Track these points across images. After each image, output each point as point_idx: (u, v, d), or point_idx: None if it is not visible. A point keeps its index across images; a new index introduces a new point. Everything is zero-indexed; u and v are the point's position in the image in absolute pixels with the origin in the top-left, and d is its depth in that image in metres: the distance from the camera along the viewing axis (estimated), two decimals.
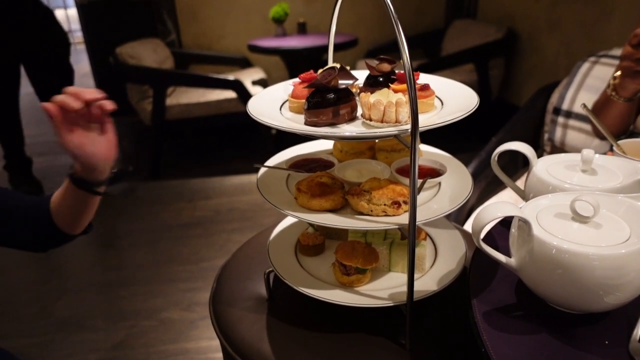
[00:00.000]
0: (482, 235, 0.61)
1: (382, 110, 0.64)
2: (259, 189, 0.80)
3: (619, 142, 0.86)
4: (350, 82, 0.70)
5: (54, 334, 1.87)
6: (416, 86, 0.74)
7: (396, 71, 0.80)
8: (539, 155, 0.80)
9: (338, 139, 0.86)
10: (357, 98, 0.74)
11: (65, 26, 9.15)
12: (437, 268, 0.81)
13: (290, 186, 0.83)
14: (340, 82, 0.69)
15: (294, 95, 0.76)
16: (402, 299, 0.73)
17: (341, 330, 0.78)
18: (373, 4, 4.07)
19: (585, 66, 1.67)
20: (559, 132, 1.67)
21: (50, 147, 3.93)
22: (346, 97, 0.69)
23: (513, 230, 0.64)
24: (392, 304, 0.72)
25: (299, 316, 0.82)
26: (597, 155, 0.75)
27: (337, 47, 3.22)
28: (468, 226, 1.35)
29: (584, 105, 0.86)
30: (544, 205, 0.64)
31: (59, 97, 0.74)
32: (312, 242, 0.87)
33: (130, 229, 2.59)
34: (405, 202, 0.70)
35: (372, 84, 0.78)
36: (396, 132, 0.62)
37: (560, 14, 2.86)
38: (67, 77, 3.08)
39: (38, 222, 0.86)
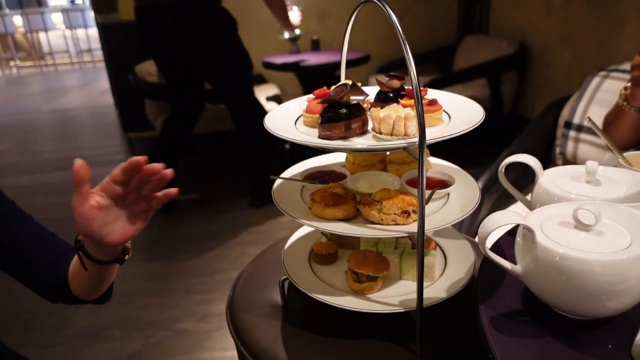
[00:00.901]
0: (489, 243, 0.64)
1: (391, 124, 0.68)
2: (274, 199, 0.84)
3: (626, 154, 0.88)
4: (362, 97, 0.73)
5: (72, 344, 1.92)
6: (424, 101, 0.77)
7: (405, 87, 0.84)
8: None
9: (350, 151, 0.90)
10: (367, 113, 0.78)
11: (84, 45, 9.35)
12: (446, 276, 0.84)
13: (305, 197, 0.86)
14: (352, 97, 0.72)
15: (308, 111, 0.81)
16: (412, 306, 0.75)
17: (353, 336, 0.81)
18: (385, 22, 4.13)
19: (596, 80, 1.69)
20: (570, 145, 1.69)
21: (71, 162, 4.03)
22: (357, 112, 0.73)
23: (518, 238, 0.67)
24: (402, 310, 0.75)
25: (312, 322, 0.85)
26: (601, 167, 0.78)
27: (349, 64, 3.26)
28: None
29: (589, 119, 0.89)
30: (548, 214, 0.67)
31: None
32: (326, 251, 0.90)
33: (147, 241, 2.65)
34: (414, 212, 0.73)
35: (383, 99, 0.82)
36: (405, 144, 0.66)
37: (572, 29, 2.88)
38: (240, 58, 2.65)
39: (55, 278, 0.79)
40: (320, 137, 0.73)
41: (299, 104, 0.90)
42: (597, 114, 1.63)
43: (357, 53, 3.48)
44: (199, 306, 2.09)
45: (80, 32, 9.16)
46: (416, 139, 0.66)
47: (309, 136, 0.75)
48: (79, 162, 0.64)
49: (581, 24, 2.79)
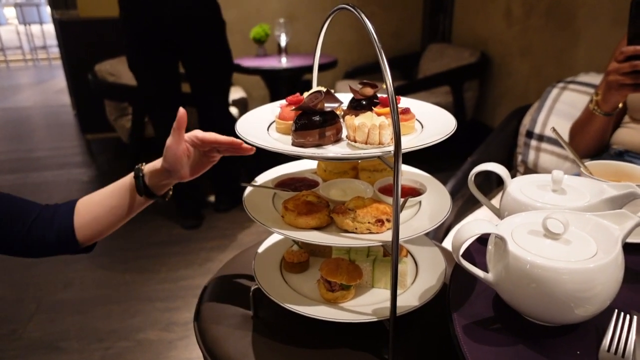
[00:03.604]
0: (462, 251, 0.64)
1: (366, 133, 0.68)
2: (246, 207, 0.82)
3: (587, 163, 0.92)
4: (336, 105, 0.73)
5: (24, 357, 1.82)
6: (399, 109, 0.78)
7: (378, 95, 0.84)
8: (513, 176, 0.84)
9: (325, 159, 0.89)
10: (341, 120, 0.77)
11: (39, 42, 8.93)
12: (418, 284, 0.84)
13: (277, 204, 0.85)
14: (326, 105, 0.72)
15: (281, 117, 0.79)
16: (385, 315, 0.75)
17: (326, 345, 0.80)
18: (352, 27, 4.18)
19: (555, 92, 1.76)
20: (532, 154, 1.75)
21: (23, 165, 3.85)
22: (332, 119, 0.73)
23: (490, 246, 0.68)
24: (375, 319, 0.74)
25: (284, 332, 0.84)
26: (566, 176, 0.80)
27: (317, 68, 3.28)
28: (446, 243, 1.39)
29: (554, 129, 0.92)
30: (518, 222, 0.68)
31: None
32: (297, 260, 0.89)
33: (107, 246, 2.55)
34: (388, 220, 0.73)
35: (356, 106, 0.82)
36: (380, 153, 0.65)
37: (531, 40, 2.99)
38: (225, 60, 2.58)
39: (52, 230, 0.83)
40: (293, 144, 0.72)
41: (271, 109, 0.89)
42: (557, 124, 1.69)
43: (325, 58, 3.48)
44: (162, 314, 2.02)
45: (35, 28, 8.77)
46: (391, 148, 0.66)
47: (281, 143, 0.74)
48: (183, 111, 0.78)
49: (539, 36, 2.90)
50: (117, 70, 3.06)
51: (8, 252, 0.83)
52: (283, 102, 0.84)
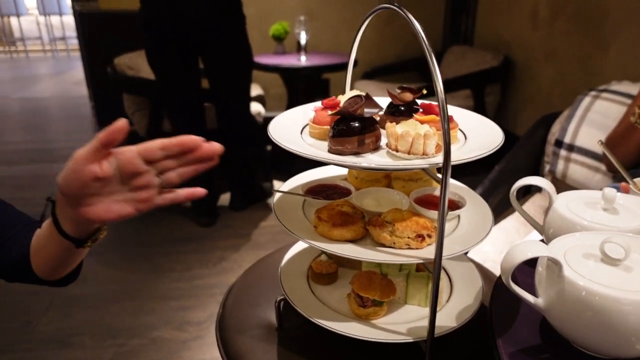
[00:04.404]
0: (510, 274, 0.60)
1: (410, 142, 0.64)
2: (277, 216, 0.78)
3: (636, 179, 0.86)
4: (376, 110, 0.69)
5: (37, 350, 1.80)
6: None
7: (418, 101, 0.80)
8: None
9: (366, 169, 0.84)
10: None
11: (59, 33, 9.01)
12: (453, 302, 0.80)
13: (307, 212, 0.81)
14: (366, 110, 0.68)
15: (315, 121, 0.75)
16: (421, 335, 0.71)
17: None
18: (372, 26, 4.11)
19: (587, 100, 1.70)
20: (561, 164, 1.69)
21: (41, 155, 3.86)
22: (371, 126, 0.68)
23: (540, 269, 0.63)
24: (411, 340, 0.70)
25: (311, 347, 0.80)
26: (619, 193, 0.75)
27: (335, 68, 3.24)
28: (472, 254, 1.34)
29: (602, 142, 0.87)
30: (571, 244, 0.64)
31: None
32: (326, 271, 0.85)
33: (122, 242, 2.53)
34: (429, 236, 0.69)
35: (394, 112, 0.78)
36: (426, 165, 0.61)
37: (556, 45, 2.92)
38: (246, 56, 2.52)
39: (15, 250, 0.69)
40: (330, 151, 0.68)
41: (303, 112, 0.85)
42: (589, 135, 1.63)
43: (344, 58, 3.44)
44: (176, 313, 2.00)
45: (55, 19, 8.83)
46: (437, 160, 0.61)
47: (317, 149, 0.70)
48: (122, 123, 0.54)
49: (566, 40, 2.82)
50: (136, 63, 3.05)
51: None
52: (317, 104, 0.80)
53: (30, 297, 2.10)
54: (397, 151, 0.65)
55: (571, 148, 1.66)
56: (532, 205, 1.63)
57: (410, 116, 0.77)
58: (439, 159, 0.62)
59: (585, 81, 2.66)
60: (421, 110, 0.76)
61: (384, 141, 0.71)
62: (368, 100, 0.68)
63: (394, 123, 0.68)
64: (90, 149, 0.54)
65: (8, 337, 1.86)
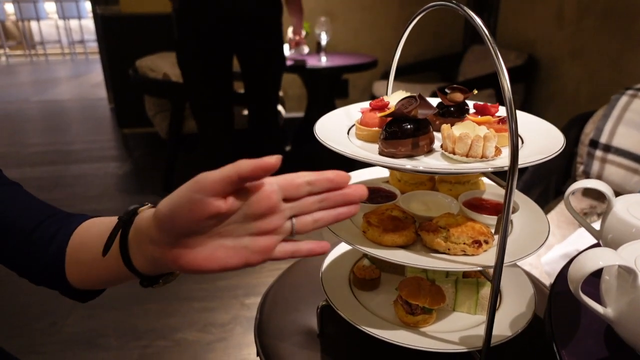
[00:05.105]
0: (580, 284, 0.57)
1: (469, 145, 0.61)
2: None
3: None
4: (430, 112, 0.66)
5: (63, 351, 1.81)
6: (495, 119, 0.70)
7: (468, 102, 0.77)
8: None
9: (425, 173, 0.80)
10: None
11: (77, 36, 9.13)
12: (504, 310, 0.76)
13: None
14: (420, 112, 0.65)
15: (362, 123, 0.73)
16: (474, 344, 0.68)
17: None
18: (391, 26, 4.09)
19: (624, 100, 1.65)
20: (596, 165, 1.64)
21: (61, 157, 3.90)
22: (425, 127, 0.66)
23: (607, 277, 0.60)
24: (465, 350, 0.67)
25: (354, 356, 0.77)
26: None
27: (356, 68, 3.22)
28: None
29: None
30: None
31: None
32: (369, 276, 0.82)
33: None
34: (486, 242, 0.66)
35: (444, 114, 0.75)
36: (489, 169, 0.58)
37: (584, 43, 2.85)
38: (282, 58, 2.46)
39: (52, 250, 0.57)
40: (382, 154, 0.66)
41: (346, 114, 0.82)
42: (626, 135, 1.58)
43: (365, 58, 3.41)
44: (200, 315, 1.99)
45: (74, 23, 8.96)
46: (499, 163, 0.58)
47: (367, 152, 0.67)
48: (276, 160, 0.42)
49: (594, 38, 2.76)
50: (157, 66, 3.06)
51: (26, 273, 0.60)
52: (364, 105, 0.77)
53: (54, 298, 2.06)
54: (453, 154, 0.62)
55: (608, 149, 1.61)
56: (554, 213, 1.59)
57: (460, 117, 0.74)
58: (501, 162, 0.60)
59: (614, 80, 2.59)
60: (474, 110, 0.73)
61: (436, 143, 0.68)
62: (422, 101, 0.65)
63: (449, 125, 0.65)
64: (222, 178, 0.41)
65: (35, 338, 1.87)
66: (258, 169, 0.41)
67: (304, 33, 3.13)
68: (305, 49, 3.14)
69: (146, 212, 0.50)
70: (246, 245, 0.45)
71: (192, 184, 0.42)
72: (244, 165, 0.41)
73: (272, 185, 0.45)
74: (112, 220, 0.54)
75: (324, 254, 0.48)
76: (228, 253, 0.45)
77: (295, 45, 3.07)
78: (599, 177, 1.64)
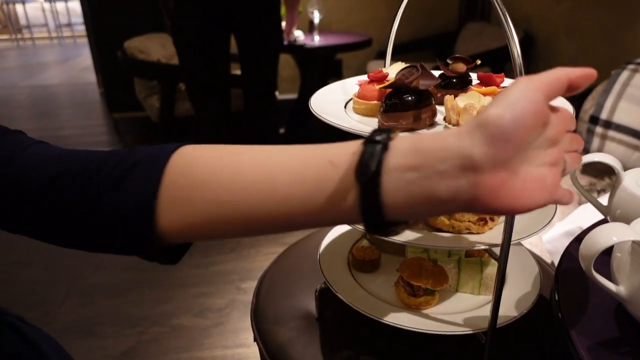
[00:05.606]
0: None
1: (474, 116, 0.57)
2: None
3: None
4: (432, 82, 0.62)
5: (59, 340, 1.78)
6: (502, 89, 0.66)
7: (471, 73, 0.73)
8: None
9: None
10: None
11: (64, 19, 8.95)
12: (509, 290, 0.74)
13: None
14: (421, 82, 0.61)
15: (360, 96, 0.69)
16: (479, 325, 0.66)
17: (406, 355, 0.71)
18: (385, 5, 4.00)
19: (625, 74, 1.61)
20: (596, 142, 1.61)
21: (52, 142, 3.81)
22: (427, 99, 0.62)
23: (619, 254, 0.57)
24: (470, 332, 0.65)
25: (355, 339, 0.75)
26: None
27: (349, 47, 3.15)
28: None
29: None
30: None
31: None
32: (369, 257, 0.79)
33: None
34: (491, 219, 0.63)
35: (446, 85, 0.71)
36: None
37: (580, 19, 2.80)
38: (280, 37, 2.43)
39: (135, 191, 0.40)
40: (382, 127, 0.62)
41: (342, 87, 0.78)
42: (627, 111, 1.55)
43: (358, 36, 3.34)
44: (195, 300, 1.97)
45: (60, 6, 8.74)
46: None
47: (366, 126, 0.63)
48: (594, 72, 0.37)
49: (590, 14, 2.71)
50: (146, 47, 2.98)
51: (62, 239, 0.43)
52: (362, 78, 0.73)
53: (46, 286, 2.07)
54: (458, 126, 0.59)
55: (608, 125, 1.58)
56: None
57: (463, 89, 0.70)
58: None
59: (612, 56, 2.55)
60: (478, 81, 0.70)
61: (439, 117, 0.65)
62: (424, 71, 0.61)
63: (453, 96, 0.61)
64: (555, 79, 0.36)
65: None
66: (586, 75, 0.37)
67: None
68: (301, 37, 3.06)
69: (404, 142, 0.35)
70: (543, 176, 0.35)
71: (528, 83, 0.35)
72: (571, 70, 0.37)
73: (567, 111, 0.38)
74: (274, 156, 0.39)
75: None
76: (535, 185, 0.35)
77: (288, 35, 2.99)
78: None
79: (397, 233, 0.38)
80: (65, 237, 0.43)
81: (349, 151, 0.36)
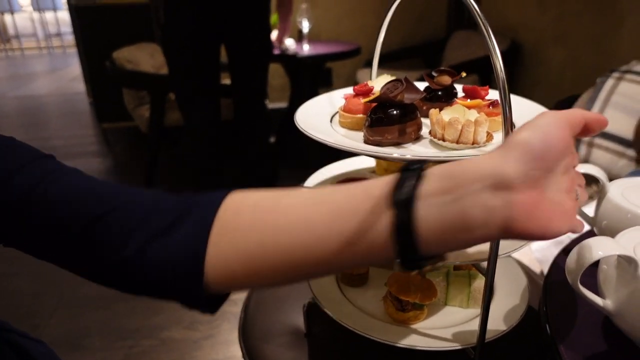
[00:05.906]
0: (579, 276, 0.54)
1: (459, 130, 0.57)
2: None
3: None
4: (417, 96, 0.62)
5: None
6: (485, 102, 0.67)
7: (456, 85, 0.73)
8: None
9: (413, 162, 0.77)
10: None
11: (54, 29, 8.89)
12: (497, 303, 0.73)
13: None
14: (406, 96, 0.61)
15: (346, 109, 0.69)
16: (468, 340, 0.65)
17: None
18: (374, 13, 4.03)
19: (610, 82, 1.63)
20: (583, 149, 1.62)
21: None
22: (412, 113, 0.62)
23: (606, 267, 0.57)
24: (459, 347, 0.64)
25: (344, 356, 0.74)
26: None
27: (339, 56, 3.16)
28: None
29: None
30: (639, 239, 0.57)
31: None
32: (357, 271, 0.79)
33: None
34: None
35: (431, 98, 0.71)
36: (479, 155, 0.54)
37: (567, 27, 2.84)
38: (269, 45, 2.42)
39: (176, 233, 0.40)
40: (367, 142, 0.62)
41: (329, 100, 0.78)
42: (614, 118, 1.56)
43: (348, 45, 3.36)
44: (186, 312, 1.94)
45: (49, 15, 8.70)
46: (490, 149, 0.55)
47: (352, 140, 0.63)
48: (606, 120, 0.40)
49: (577, 21, 2.74)
50: (135, 57, 2.97)
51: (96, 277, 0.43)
52: (347, 91, 0.73)
53: (35, 299, 2.04)
54: (443, 140, 0.59)
55: None
56: None
57: (449, 101, 0.70)
58: (493, 148, 0.56)
59: (598, 63, 2.58)
60: (463, 94, 0.70)
61: (424, 130, 0.64)
62: (408, 84, 0.61)
63: (438, 109, 0.61)
64: (573, 116, 0.38)
65: None
66: (599, 120, 0.40)
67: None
68: (293, 46, 3.06)
69: (438, 171, 0.36)
70: (562, 201, 0.36)
71: (555, 114, 0.37)
72: (588, 113, 0.39)
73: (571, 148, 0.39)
74: (311, 200, 0.39)
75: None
76: (558, 208, 0.36)
77: (280, 43, 2.99)
78: (586, 161, 1.63)
79: (432, 267, 0.36)
80: (103, 277, 0.42)
81: (385, 181, 0.37)
